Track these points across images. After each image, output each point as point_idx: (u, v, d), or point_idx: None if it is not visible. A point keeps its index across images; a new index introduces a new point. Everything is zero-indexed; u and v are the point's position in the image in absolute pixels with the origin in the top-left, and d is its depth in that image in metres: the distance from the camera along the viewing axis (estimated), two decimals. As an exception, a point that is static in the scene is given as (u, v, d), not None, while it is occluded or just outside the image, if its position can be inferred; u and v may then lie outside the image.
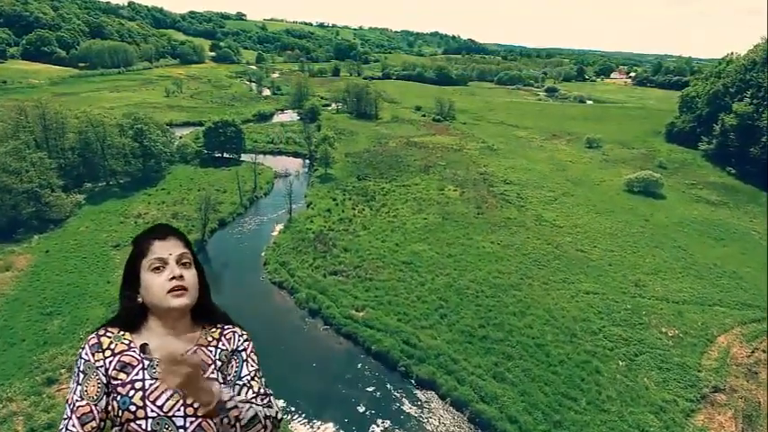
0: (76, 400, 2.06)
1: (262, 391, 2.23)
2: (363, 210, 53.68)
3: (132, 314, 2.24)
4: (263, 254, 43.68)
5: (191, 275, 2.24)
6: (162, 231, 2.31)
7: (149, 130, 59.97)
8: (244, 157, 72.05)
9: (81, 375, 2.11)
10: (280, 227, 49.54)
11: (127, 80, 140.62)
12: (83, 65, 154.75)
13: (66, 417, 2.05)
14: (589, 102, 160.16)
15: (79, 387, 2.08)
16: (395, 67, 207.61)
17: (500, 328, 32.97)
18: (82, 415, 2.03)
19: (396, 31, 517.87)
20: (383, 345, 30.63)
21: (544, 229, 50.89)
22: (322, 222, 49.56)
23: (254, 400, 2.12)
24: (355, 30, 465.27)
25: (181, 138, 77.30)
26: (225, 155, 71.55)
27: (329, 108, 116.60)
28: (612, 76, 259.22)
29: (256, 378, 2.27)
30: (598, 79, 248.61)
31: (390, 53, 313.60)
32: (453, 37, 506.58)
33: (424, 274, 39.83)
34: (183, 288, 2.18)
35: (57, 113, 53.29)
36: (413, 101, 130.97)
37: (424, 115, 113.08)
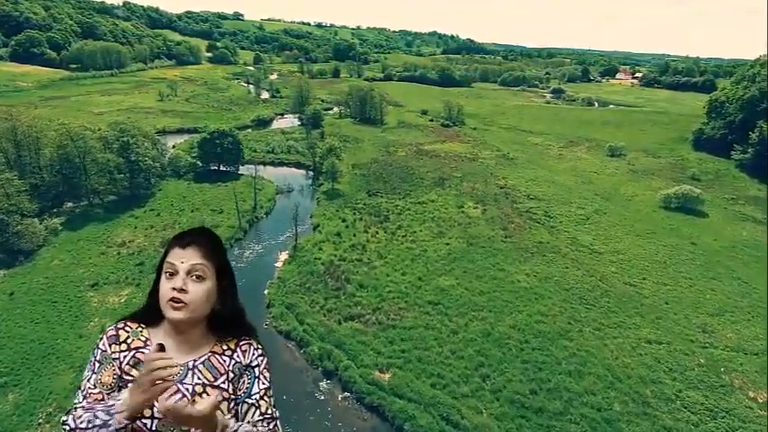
0: (89, 388, 2.03)
1: (269, 412, 2.15)
2: (377, 233, 47.83)
3: (154, 310, 2.16)
4: (265, 291, 37.74)
5: (198, 290, 2.11)
6: (186, 238, 2.20)
7: (137, 142, 53.72)
8: (242, 169, 66.15)
9: (96, 365, 2.09)
10: (284, 256, 43.53)
11: (119, 83, 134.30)
12: (74, 66, 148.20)
13: (77, 402, 2.01)
14: (596, 104, 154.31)
15: (94, 376, 2.05)
16: (396, 68, 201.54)
17: (556, 394, 27.16)
18: (93, 401, 1.98)
19: (394, 31, 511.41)
20: (418, 424, 24.73)
21: (582, 255, 45.13)
22: (332, 250, 43.65)
23: (259, 425, 2.09)
24: (353, 29, 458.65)
25: (174, 147, 71.40)
26: (221, 167, 65.50)
27: (331, 112, 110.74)
28: (618, 76, 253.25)
29: (265, 398, 2.20)
30: (603, 80, 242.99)
31: (389, 53, 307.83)
32: (452, 36, 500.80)
33: (456, 319, 34.01)
34: (182, 302, 2.07)
35: (30, 127, 47.04)
36: (417, 103, 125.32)
37: (431, 120, 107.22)
